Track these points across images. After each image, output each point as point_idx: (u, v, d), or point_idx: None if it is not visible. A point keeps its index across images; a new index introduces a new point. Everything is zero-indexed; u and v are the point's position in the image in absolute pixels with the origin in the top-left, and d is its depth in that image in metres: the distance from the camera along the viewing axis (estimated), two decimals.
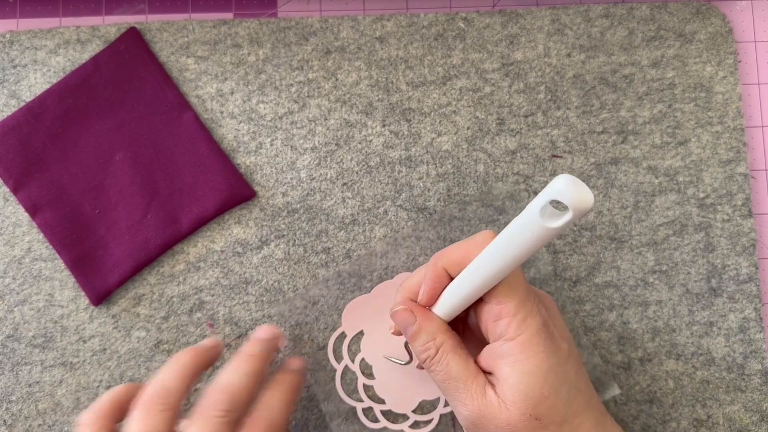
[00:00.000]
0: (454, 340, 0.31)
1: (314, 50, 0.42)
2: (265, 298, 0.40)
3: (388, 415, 0.39)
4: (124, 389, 0.32)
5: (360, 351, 0.40)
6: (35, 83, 0.42)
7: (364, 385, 0.39)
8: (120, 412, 0.32)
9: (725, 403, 0.40)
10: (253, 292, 0.40)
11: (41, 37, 0.42)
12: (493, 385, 0.30)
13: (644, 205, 0.41)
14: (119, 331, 0.40)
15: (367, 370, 0.39)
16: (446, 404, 0.39)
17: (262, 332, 0.36)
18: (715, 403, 0.40)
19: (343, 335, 0.40)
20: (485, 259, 0.28)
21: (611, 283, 0.40)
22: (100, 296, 0.40)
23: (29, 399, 0.39)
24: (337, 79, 0.42)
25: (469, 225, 0.41)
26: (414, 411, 0.39)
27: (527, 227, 0.24)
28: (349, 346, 0.40)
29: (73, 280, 0.40)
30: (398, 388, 0.39)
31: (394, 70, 0.42)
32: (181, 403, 0.31)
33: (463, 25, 0.42)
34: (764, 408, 0.39)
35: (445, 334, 0.31)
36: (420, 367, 0.36)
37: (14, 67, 0.42)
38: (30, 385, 0.40)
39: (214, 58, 0.42)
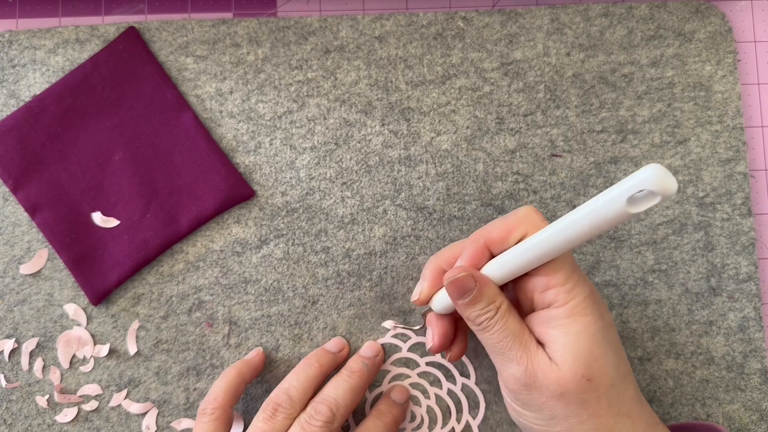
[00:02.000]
0: (508, 300, 0.32)
1: (313, 50, 0.42)
2: (264, 298, 0.40)
3: None
4: (235, 377, 0.36)
5: None
6: (34, 83, 0.42)
7: None
8: (235, 398, 0.36)
9: (725, 402, 0.40)
10: (253, 292, 0.40)
11: (40, 36, 0.42)
12: (544, 347, 0.30)
13: None
14: (118, 330, 0.40)
15: None
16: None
17: (368, 349, 0.39)
18: (715, 402, 0.40)
19: None
20: (548, 236, 0.28)
21: (611, 282, 0.40)
22: (100, 296, 0.40)
23: (29, 398, 0.39)
24: (336, 79, 0.42)
25: (468, 224, 0.41)
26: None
27: (608, 211, 0.25)
28: None
29: (73, 279, 0.40)
30: None
31: (393, 69, 0.42)
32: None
33: (462, 25, 0.42)
34: (764, 407, 0.39)
35: (501, 296, 0.31)
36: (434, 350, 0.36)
37: (13, 66, 0.42)
38: (30, 385, 0.40)
39: (213, 58, 0.42)
